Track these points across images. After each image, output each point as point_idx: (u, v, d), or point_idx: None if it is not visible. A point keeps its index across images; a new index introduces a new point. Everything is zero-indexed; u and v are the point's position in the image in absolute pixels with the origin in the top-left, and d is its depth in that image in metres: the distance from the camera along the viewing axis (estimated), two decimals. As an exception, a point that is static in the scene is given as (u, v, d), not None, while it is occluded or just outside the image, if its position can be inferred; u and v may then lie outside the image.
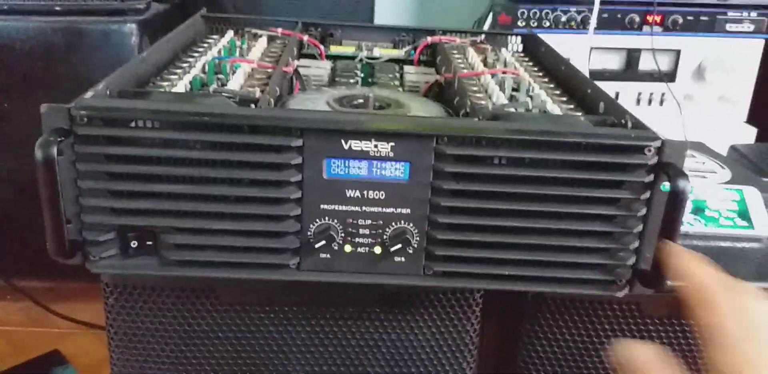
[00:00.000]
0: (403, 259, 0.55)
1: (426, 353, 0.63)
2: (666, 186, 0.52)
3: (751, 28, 1.14)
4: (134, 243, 0.53)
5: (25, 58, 1.15)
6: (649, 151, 0.52)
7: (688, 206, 0.68)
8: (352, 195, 0.53)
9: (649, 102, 1.18)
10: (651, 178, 0.52)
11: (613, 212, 0.53)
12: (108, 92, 0.55)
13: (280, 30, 0.86)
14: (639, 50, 1.15)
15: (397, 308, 0.61)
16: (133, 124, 0.51)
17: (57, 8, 1.15)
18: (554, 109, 0.64)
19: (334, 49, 0.88)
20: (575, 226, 0.54)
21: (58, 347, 1.29)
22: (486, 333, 0.63)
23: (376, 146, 0.52)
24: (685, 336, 0.63)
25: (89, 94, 0.53)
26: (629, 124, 0.56)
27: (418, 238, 0.54)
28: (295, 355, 0.62)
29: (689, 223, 0.67)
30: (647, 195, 0.52)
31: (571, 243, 0.54)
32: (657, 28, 1.14)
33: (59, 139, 0.48)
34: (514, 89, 0.71)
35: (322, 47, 0.86)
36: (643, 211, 0.53)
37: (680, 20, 1.11)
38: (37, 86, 1.16)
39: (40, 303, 1.28)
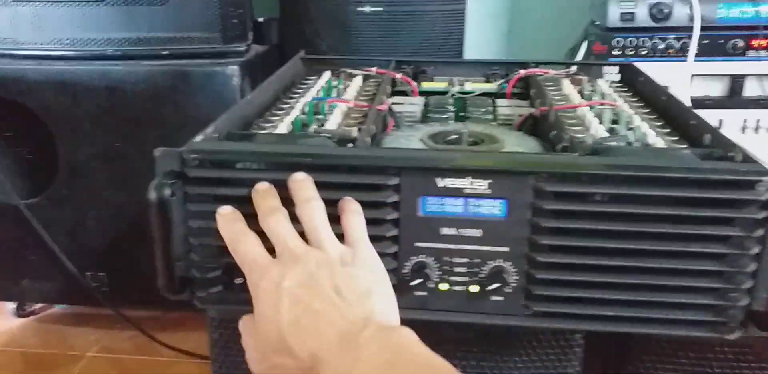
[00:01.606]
0: (501, 298, 0.54)
1: (526, 394, 0.61)
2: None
3: None
4: (239, 280, 0.55)
5: (136, 100, 1.23)
6: (761, 185, 0.49)
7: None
8: (447, 232, 0.53)
9: (756, 130, 1.13)
10: (764, 214, 0.50)
11: (723, 250, 0.51)
12: (216, 135, 0.58)
13: (374, 69, 0.88)
14: (743, 76, 1.10)
15: (495, 348, 0.60)
16: (239, 166, 0.53)
17: (165, 52, 1.23)
18: (657, 142, 0.62)
19: (427, 85, 0.89)
20: (683, 265, 0.52)
21: (163, 374, 1.34)
22: (589, 374, 0.61)
23: (472, 184, 0.52)
24: (807, 383, 0.59)
25: (199, 137, 0.56)
26: (738, 158, 0.54)
27: (516, 277, 0.53)
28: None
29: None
30: (760, 232, 0.50)
31: (679, 282, 0.52)
32: (763, 53, 1.09)
33: (172, 181, 0.51)
34: (613, 121, 0.69)
35: (414, 84, 0.87)
36: (757, 249, 0.50)
37: (788, 43, 1.06)
38: (146, 126, 1.23)
39: (146, 333, 1.33)
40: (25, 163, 1.34)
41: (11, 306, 1.48)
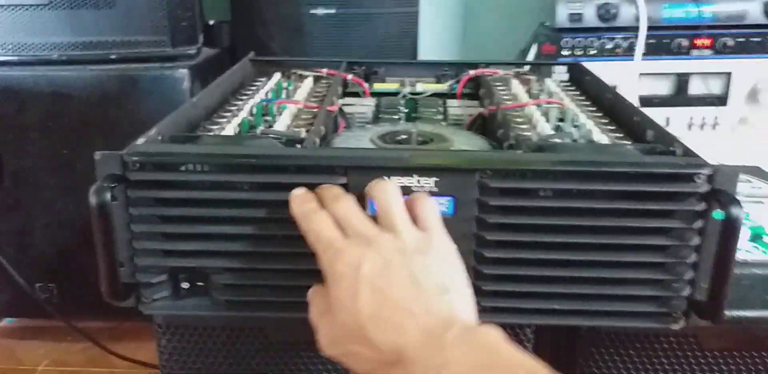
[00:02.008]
0: (451, 295, 0.54)
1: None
2: (719, 214, 0.50)
3: (805, 47, 1.12)
4: (186, 285, 0.54)
5: (83, 106, 1.20)
6: (700, 178, 0.51)
7: (745, 233, 0.66)
8: (397, 231, 0.53)
9: (702, 127, 1.16)
10: (703, 206, 0.51)
11: (665, 242, 0.52)
12: (160, 137, 0.57)
13: (325, 70, 0.88)
14: (688, 74, 1.13)
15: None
16: (183, 168, 0.52)
17: (112, 57, 1.21)
18: (602, 138, 0.63)
19: (378, 86, 0.89)
20: (626, 258, 0.52)
21: (116, 387, 1.31)
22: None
23: (419, 181, 0.52)
24: (748, 369, 0.60)
25: (141, 140, 0.55)
26: (679, 152, 0.55)
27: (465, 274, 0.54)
28: (346, 394, 0.61)
29: (747, 251, 0.65)
30: (700, 224, 0.51)
31: (623, 275, 0.53)
32: (707, 52, 1.12)
33: (113, 185, 0.50)
34: (559, 119, 0.70)
35: (365, 85, 0.87)
36: (697, 241, 0.51)
37: (730, 42, 1.09)
38: (94, 132, 1.20)
39: (99, 344, 1.30)
40: (-32, 172, 1.30)
41: (-42, 320, 1.43)
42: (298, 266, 0.53)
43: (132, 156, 0.51)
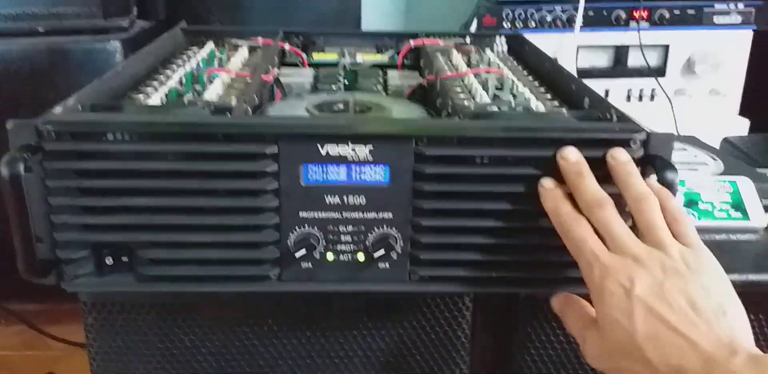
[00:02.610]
0: (387, 265, 0.53)
1: (417, 361, 0.61)
2: (653, 178, 0.50)
3: (739, 19, 1.13)
4: (109, 260, 0.52)
5: (11, 81, 1.14)
6: (635, 143, 0.51)
7: (681, 199, 0.67)
8: (331, 201, 0.52)
9: (640, 98, 1.17)
10: (638, 170, 0.51)
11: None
12: (79, 106, 0.54)
13: (260, 39, 0.85)
14: (627, 47, 1.14)
15: (385, 316, 0.59)
16: (103, 138, 0.49)
17: (40, 29, 1.15)
18: (538, 106, 0.63)
19: (317, 57, 0.87)
20: (563, 225, 0.52)
21: (53, 370, 1.27)
22: (478, 337, 0.61)
23: (354, 150, 0.50)
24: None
25: (58, 108, 0.52)
26: (614, 118, 0.55)
27: (402, 243, 0.53)
28: (282, 368, 0.60)
29: (683, 218, 0.66)
30: (635, 189, 0.51)
31: (560, 242, 0.52)
32: (644, 24, 1.13)
33: (26, 156, 0.47)
34: (497, 88, 0.69)
35: (303, 55, 0.85)
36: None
37: (667, 15, 1.10)
38: (23, 108, 1.15)
39: (35, 327, 1.26)
40: None
41: None
42: (227, 239, 0.51)
43: (47, 124, 0.48)
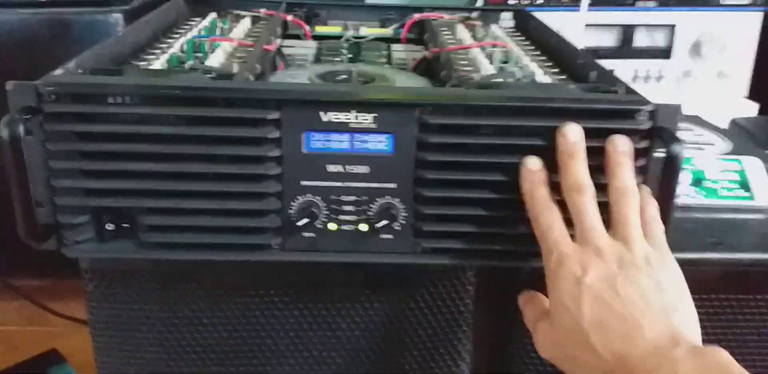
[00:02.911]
0: (390, 236, 0.53)
1: (419, 336, 0.61)
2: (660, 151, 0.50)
3: (748, 0, 1.12)
4: (110, 226, 0.51)
5: (10, 52, 1.13)
6: (642, 115, 0.50)
7: (688, 177, 0.66)
8: (333, 170, 0.51)
9: (646, 79, 1.16)
10: (645, 143, 0.50)
11: (606, 180, 0.51)
12: (80, 70, 0.53)
13: (263, 10, 0.84)
14: (634, 26, 1.12)
15: (387, 289, 0.59)
16: (104, 101, 0.48)
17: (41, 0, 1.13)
18: (545, 79, 0.62)
19: (320, 30, 0.86)
20: (568, 197, 0.51)
21: (55, 345, 1.27)
22: (481, 313, 0.61)
23: (357, 117, 0.50)
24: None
25: (59, 71, 0.51)
26: (621, 91, 0.54)
27: (405, 214, 0.52)
28: (283, 340, 0.60)
29: (689, 195, 0.65)
30: (642, 162, 0.50)
31: (565, 214, 0.52)
32: (651, 3, 1.11)
33: (26, 117, 0.47)
34: (503, 62, 0.69)
35: (307, 27, 0.84)
36: (639, 179, 0.51)
37: (675, -6, 1.09)
38: (22, 79, 1.13)
39: (36, 302, 1.26)
40: None
41: None
42: (229, 206, 0.51)
43: (48, 86, 0.47)
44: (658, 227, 0.49)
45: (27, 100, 0.48)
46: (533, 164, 0.49)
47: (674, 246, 0.48)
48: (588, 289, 0.44)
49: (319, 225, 0.52)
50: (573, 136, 0.49)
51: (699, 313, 0.47)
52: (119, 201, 0.50)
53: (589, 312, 0.44)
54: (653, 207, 0.49)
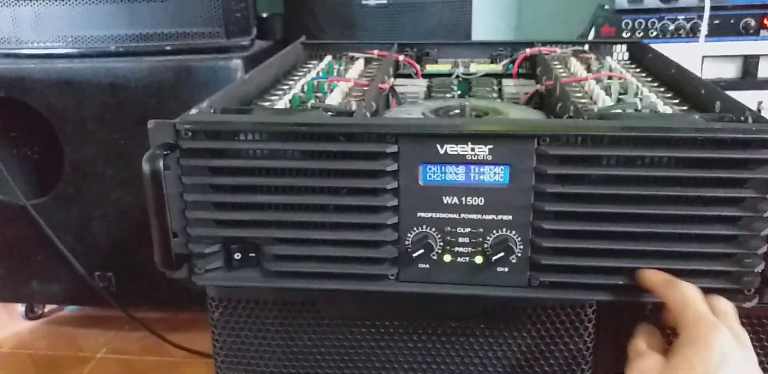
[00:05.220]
0: (506, 269, 0.52)
1: (535, 373, 0.59)
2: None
3: None
4: (238, 255, 0.54)
5: (140, 97, 1.22)
6: (775, 144, 0.47)
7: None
8: (449, 201, 0.51)
9: (772, 111, 1.10)
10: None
11: (736, 213, 0.49)
12: (212, 110, 0.57)
13: (376, 52, 0.87)
14: (757, 56, 1.08)
15: (502, 323, 0.58)
16: (235, 137, 0.52)
17: (168, 48, 1.22)
18: (666, 109, 0.60)
19: (431, 68, 0.88)
20: (695, 230, 0.49)
21: (173, 375, 1.32)
22: (600, 351, 0.59)
23: (473, 149, 0.50)
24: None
25: (193, 111, 0.55)
26: (749, 120, 0.52)
27: (521, 247, 0.52)
28: (397, 372, 0.60)
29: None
30: (776, 194, 0.48)
31: (691, 248, 0.50)
32: (776, 32, 1.07)
33: (165, 153, 0.50)
34: (621, 93, 0.67)
35: (417, 66, 0.86)
36: (775, 211, 0.48)
37: (801, 22, 1.04)
38: (151, 122, 1.22)
39: (156, 333, 1.32)
40: (31, 162, 1.34)
41: (21, 308, 1.47)
42: (348, 237, 0.52)
43: (185, 124, 0.51)
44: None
45: (165, 137, 0.51)
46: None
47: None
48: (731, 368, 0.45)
49: (434, 257, 0.53)
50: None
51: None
52: (247, 231, 0.53)
53: None
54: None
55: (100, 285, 1.32)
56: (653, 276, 0.50)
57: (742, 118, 0.53)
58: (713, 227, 0.49)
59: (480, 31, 1.48)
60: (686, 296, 0.49)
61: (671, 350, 0.48)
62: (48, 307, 1.52)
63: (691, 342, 0.47)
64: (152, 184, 0.50)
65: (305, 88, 0.70)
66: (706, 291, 0.50)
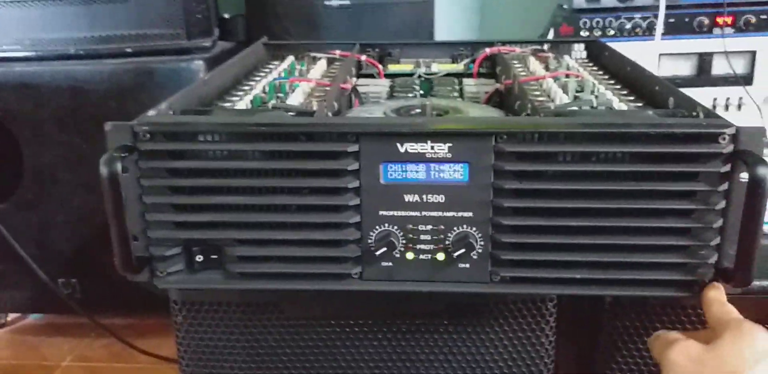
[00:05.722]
0: (467, 266, 0.53)
1: (499, 367, 0.60)
2: (744, 175, 0.48)
3: (831, 22, 1.08)
4: (199, 258, 0.53)
5: (100, 100, 1.20)
6: (724, 138, 0.49)
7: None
8: (410, 199, 0.52)
9: (726, 107, 1.13)
10: (728, 167, 0.49)
11: (689, 206, 0.50)
12: (171, 111, 0.56)
13: (338, 52, 0.87)
14: (711, 54, 1.10)
15: (465, 319, 0.58)
16: (194, 139, 0.51)
17: (128, 50, 1.21)
18: (621, 106, 0.62)
19: (393, 68, 0.88)
20: (649, 223, 0.51)
21: (139, 381, 1.31)
22: (561, 345, 0.60)
23: (432, 148, 0.51)
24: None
25: (152, 112, 0.54)
26: (701, 115, 0.53)
27: (482, 243, 0.52)
28: (363, 370, 0.60)
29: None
30: (725, 186, 0.49)
31: (647, 241, 0.51)
32: (729, 30, 1.09)
33: (123, 155, 0.50)
34: (578, 91, 0.68)
35: (380, 66, 0.86)
36: (722, 204, 0.49)
37: (753, 20, 1.07)
38: (113, 125, 1.20)
39: (122, 339, 1.30)
40: (-12, 168, 1.31)
41: (-17, 318, 1.44)
42: (310, 236, 0.52)
43: (142, 126, 0.51)
44: None
45: (123, 139, 0.51)
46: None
47: (760, 275, 0.47)
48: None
49: (397, 255, 0.53)
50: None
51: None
52: (208, 233, 0.52)
53: None
54: None
55: (64, 292, 1.30)
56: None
57: (694, 114, 0.54)
58: (667, 220, 0.51)
59: (443, 32, 1.49)
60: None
61: (715, 339, 0.48)
62: (11, 316, 1.49)
63: (738, 336, 0.48)
64: (110, 186, 0.49)
65: (267, 88, 0.70)
66: (662, 282, 0.51)
